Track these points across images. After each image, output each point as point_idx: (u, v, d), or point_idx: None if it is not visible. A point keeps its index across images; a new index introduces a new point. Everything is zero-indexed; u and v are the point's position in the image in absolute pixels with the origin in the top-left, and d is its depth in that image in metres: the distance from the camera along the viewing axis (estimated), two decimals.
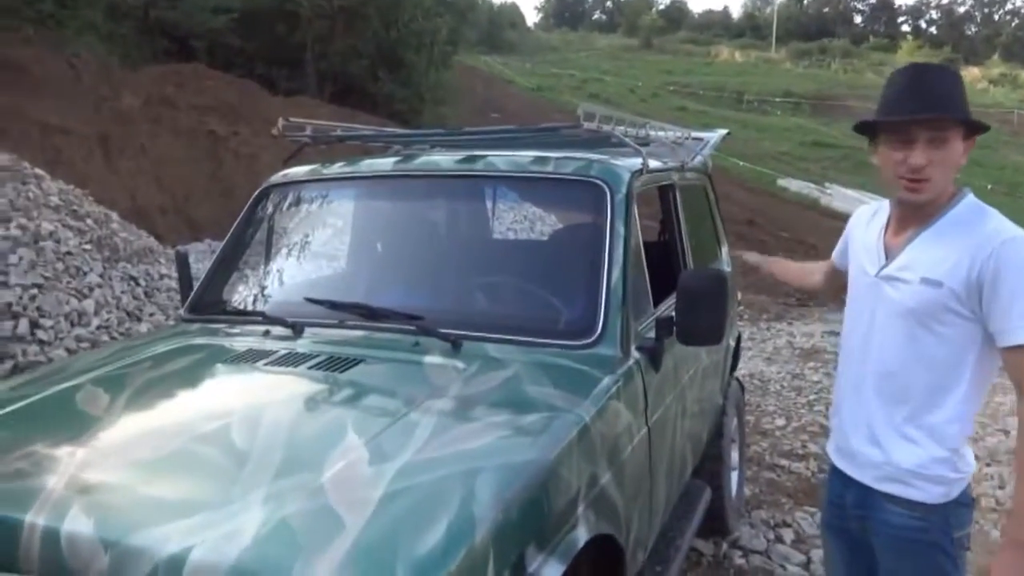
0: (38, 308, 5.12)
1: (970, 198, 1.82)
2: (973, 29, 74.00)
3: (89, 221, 6.47)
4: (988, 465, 5.04)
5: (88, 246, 6.14)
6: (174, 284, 6.52)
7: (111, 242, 6.44)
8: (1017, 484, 1.69)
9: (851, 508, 1.98)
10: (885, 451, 1.86)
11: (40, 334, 4.97)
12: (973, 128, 1.76)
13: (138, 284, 6.23)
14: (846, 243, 2.14)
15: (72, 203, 6.59)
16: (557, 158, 2.56)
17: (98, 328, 5.40)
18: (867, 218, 2.03)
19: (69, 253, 5.85)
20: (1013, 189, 23.23)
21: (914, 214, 1.83)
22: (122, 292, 5.98)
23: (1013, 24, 71.09)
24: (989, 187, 23.00)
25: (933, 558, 1.81)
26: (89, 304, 5.52)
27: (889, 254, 1.88)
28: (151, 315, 5.91)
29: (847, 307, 2.02)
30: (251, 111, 14.80)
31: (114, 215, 7.13)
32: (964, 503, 1.84)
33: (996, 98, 37.91)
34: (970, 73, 46.17)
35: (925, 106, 1.72)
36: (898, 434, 1.84)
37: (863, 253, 1.97)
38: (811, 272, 2.47)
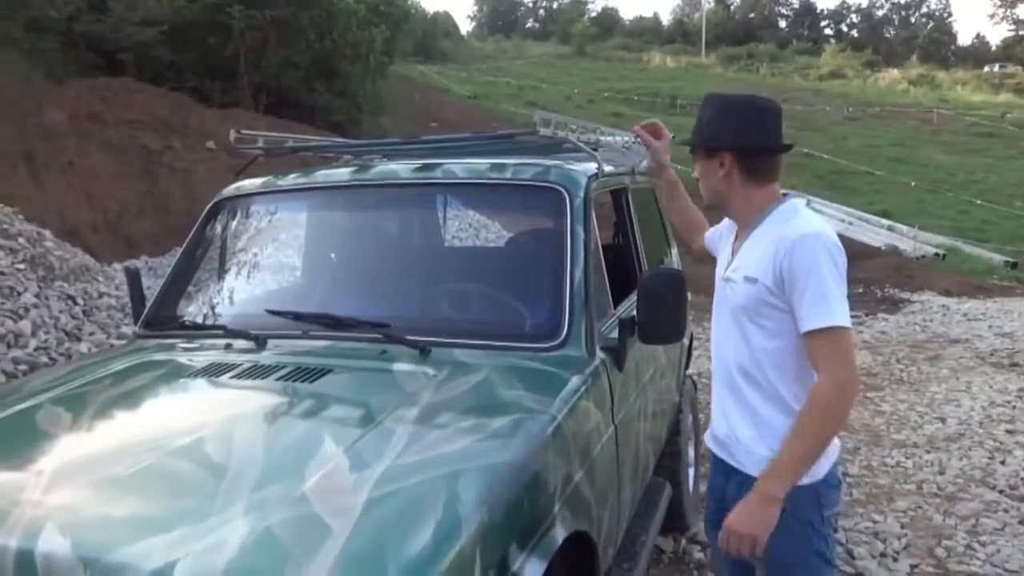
0: None
1: (789, 202, 1.98)
2: (892, 32, 76.76)
3: (21, 240, 6.27)
4: (928, 452, 5.24)
5: (22, 265, 5.94)
6: (114, 302, 6.35)
7: (46, 261, 6.25)
8: (786, 443, 1.82)
9: (731, 501, 2.04)
10: (756, 438, 1.97)
11: None
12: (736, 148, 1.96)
13: (76, 303, 6.05)
14: (718, 237, 2.26)
15: (2, 222, 6.37)
16: (515, 164, 2.59)
17: (36, 349, 5.23)
18: (733, 223, 2.15)
19: (1, 273, 5.66)
20: (935, 186, 24.08)
21: (744, 219, 2.03)
22: (60, 312, 5.80)
23: (928, 27, 73.96)
24: (913, 184, 23.85)
25: (805, 534, 1.90)
26: (26, 325, 5.34)
27: (733, 256, 2.05)
28: (91, 334, 5.75)
29: (713, 306, 2.16)
30: (184, 125, 14.50)
31: (47, 233, 6.91)
32: (832, 484, 1.97)
33: (916, 98, 39.27)
34: (890, 75, 47.87)
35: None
36: (763, 421, 1.95)
37: (720, 256, 2.15)
38: (700, 229, 2.52)
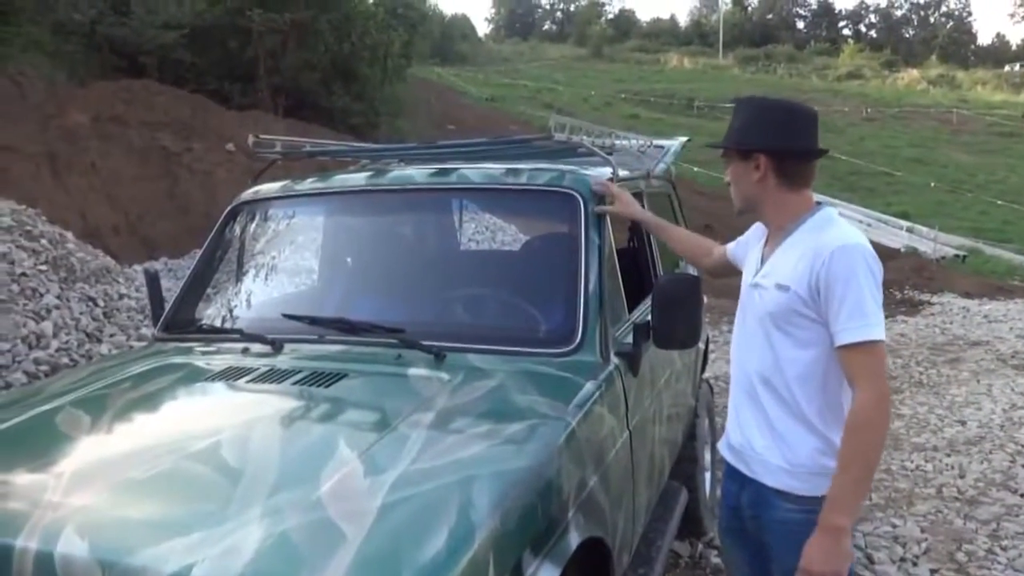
0: None
1: (824, 211, 1.97)
2: (910, 32, 76.06)
3: (44, 241, 6.34)
4: (948, 456, 5.19)
5: (44, 267, 6.01)
6: (134, 304, 6.41)
7: (67, 262, 6.31)
8: (836, 474, 1.80)
9: (746, 508, 2.06)
10: (771, 448, 1.96)
11: None
12: (769, 150, 1.93)
13: (97, 305, 6.11)
14: (746, 245, 2.23)
15: (25, 223, 6.44)
16: (530, 170, 2.60)
17: (57, 350, 5.29)
18: (763, 229, 2.13)
19: (24, 274, 5.73)
20: (955, 186, 23.84)
21: (776, 225, 2.01)
22: (81, 313, 5.86)
23: (948, 26, 73.20)
24: (932, 185, 23.62)
25: None
26: (47, 326, 5.41)
27: (762, 263, 2.04)
28: (111, 336, 5.81)
29: (737, 312, 2.15)
30: (204, 127, 14.60)
31: (69, 235, 6.98)
32: None
33: (936, 98, 38.97)
34: (909, 75, 47.45)
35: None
36: (778, 432, 1.95)
37: (748, 262, 2.13)
38: (707, 251, 2.50)
